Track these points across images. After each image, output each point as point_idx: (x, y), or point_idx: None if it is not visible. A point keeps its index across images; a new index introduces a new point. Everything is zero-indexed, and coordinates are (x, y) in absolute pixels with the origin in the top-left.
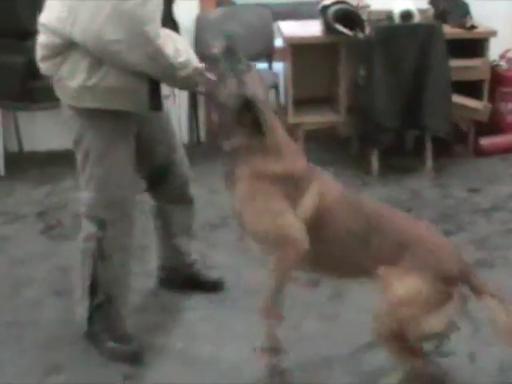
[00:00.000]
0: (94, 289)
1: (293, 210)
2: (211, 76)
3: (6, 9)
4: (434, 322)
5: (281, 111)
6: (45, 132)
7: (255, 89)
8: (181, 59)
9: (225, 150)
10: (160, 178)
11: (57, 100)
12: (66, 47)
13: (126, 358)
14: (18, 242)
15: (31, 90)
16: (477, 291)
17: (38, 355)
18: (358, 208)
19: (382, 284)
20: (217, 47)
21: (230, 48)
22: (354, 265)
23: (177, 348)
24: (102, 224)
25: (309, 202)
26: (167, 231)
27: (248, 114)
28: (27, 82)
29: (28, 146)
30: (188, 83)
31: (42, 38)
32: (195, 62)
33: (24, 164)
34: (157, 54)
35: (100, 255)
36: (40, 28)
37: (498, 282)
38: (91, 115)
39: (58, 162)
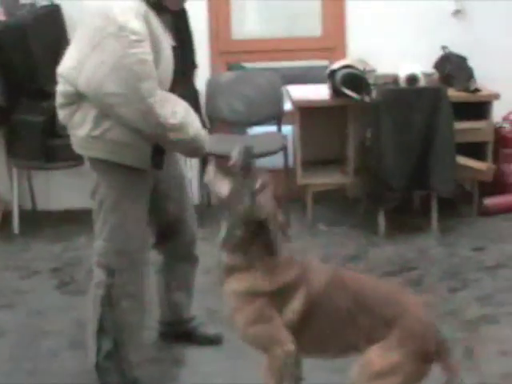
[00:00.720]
0: (101, 335)
1: (280, 316)
2: (224, 189)
3: (27, 70)
4: None
5: (288, 174)
6: (58, 191)
7: (268, 209)
8: (174, 121)
9: (223, 262)
10: (169, 235)
11: (71, 159)
12: (78, 96)
13: None
14: (34, 296)
15: (47, 149)
16: (448, 368)
17: None
18: (344, 290)
19: (364, 359)
20: (235, 159)
21: (247, 164)
22: (345, 345)
23: None
24: (111, 272)
25: (296, 305)
26: (168, 286)
27: (257, 234)
28: (45, 141)
29: (41, 205)
30: (180, 146)
31: (59, 87)
32: (196, 128)
33: (38, 222)
34: (147, 112)
35: (108, 302)
36: (58, 77)
37: (503, 338)
38: (104, 166)
39: (72, 221)
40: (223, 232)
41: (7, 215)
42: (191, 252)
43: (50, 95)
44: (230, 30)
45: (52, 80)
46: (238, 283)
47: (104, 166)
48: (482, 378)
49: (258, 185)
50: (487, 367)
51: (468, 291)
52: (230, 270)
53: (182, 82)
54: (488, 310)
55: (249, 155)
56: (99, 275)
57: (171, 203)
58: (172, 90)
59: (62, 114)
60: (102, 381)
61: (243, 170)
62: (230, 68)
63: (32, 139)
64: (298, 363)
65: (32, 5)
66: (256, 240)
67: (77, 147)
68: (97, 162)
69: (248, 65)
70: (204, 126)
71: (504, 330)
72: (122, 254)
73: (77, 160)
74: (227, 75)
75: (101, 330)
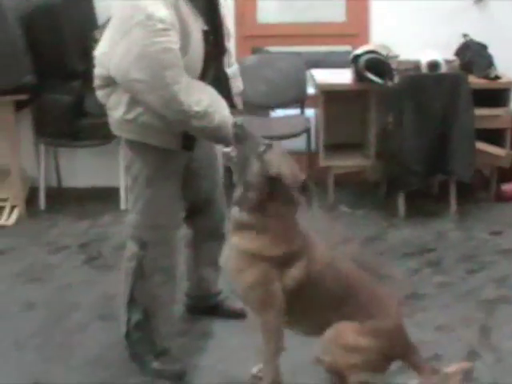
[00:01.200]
0: (132, 305)
1: (279, 279)
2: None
3: (56, 51)
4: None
5: (311, 157)
6: (84, 169)
7: (279, 167)
8: (198, 109)
9: (232, 217)
10: (199, 211)
11: (97, 139)
12: (112, 80)
13: (171, 378)
14: (63, 271)
15: (75, 128)
16: (416, 369)
17: (86, 373)
18: (338, 277)
19: (337, 330)
20: (233, 149)
21: (240, 134)
22: (324, 324)
23: (218, 369)
24: (143, 245)
25: (296, 273)
26: (196, 261)
27: (271, 193)
28: (72, 120)
29: (67, 182)
30: (205, 133)
31: (95, 69)
32: (222, 116)
33: (63, 199)
34: (171, 99)
35: (139, 274)
36: (95, 60)
37: None
38: (138, 146)
39: (97, 198)
40: (237, 195)
41: (33, 192)
42: (219, 230)
43: (79, 75)
44: (256, 15)
45: (80, 61)
46: (246, 242)
47: (138, 146)
48: (497, 355)
49: (263, 146)
50: (502, 344)
51: (484, 273)
52: (241, 227)
53: (213, 65)
54: (504, 291)
55: (241, 128)
56: (132, 248)
57: (203, 182)
58: (204, 73)
59: (99, 94)
60: (131, 351)
61: (240, 139)
62: (254, 51)
63: (60, 118)
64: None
65: None
66: (273, 199)
67: (113, 128)
68: (131, 142)
69: (272, 49)
70: (234, 107)
71: None
72: (154, 227)
73: (102, 139)
74: (252, 59)
75: (132, 301)
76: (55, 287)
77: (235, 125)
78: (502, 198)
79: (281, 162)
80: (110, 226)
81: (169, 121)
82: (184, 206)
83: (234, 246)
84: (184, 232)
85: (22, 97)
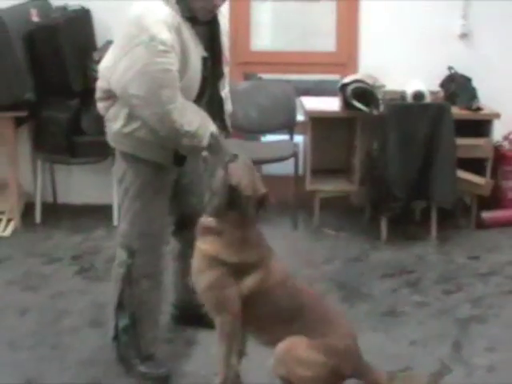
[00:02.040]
0: (120, 310)
1: (234, 284)
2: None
3: (56, 69)
4: None
5: (298, 180)
6: (79, 186)
7: (240, 178)
8: (188, 128)
9: (200, 221)
10: (187, 225)
11: (93, 156)
12: (113, 93)
13: (156, 381)
14: (56, 280)
15: (71, 145)
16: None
17: (77, 372)
18: (291, 295)
19: (291, 342)
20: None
21: (214, 145)
22: (275, 339)
23: (201, 374)
24: (131, 253)
25: (251, 283)
26: (183, 273)
27: (231, 202)
28: (69, 137)
29: (62, 198)
30: (193, 152)
31: (98, 82)
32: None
33: (58, 214)
34: (165, 116)
35: (127, 280)
36: (98, 73)
37: (490, 336)
38: (132, 159)
39: (91, 214)
40: (206, 199)
41: (29, 206)
42: None
43: (77, 94)
44: (249, 42)
45: (79, 80)
46: (207, 245)
47: (131, 158)
48: (469, 370)
49: (228, 157)
50: (474, 360)
51: (461, 294)
52: (205, 232)
53: (210, 88)
54: (478, 311)
55: (215, 139)
56: (121, 255)
57: (191, 197)
58: (200, 95)
59: (100, 106)
60: (118, 353)
61: (213, 149)
62: (246, 78)
63: (57, 135)
64: (244, 337)
65: (64, 8)
66: (232, 207)
67: (109, 139)
68: (125, 155)
69: (264, 76)
70: (226, 129)
71: (491, 329)
72: (143, 236)
73: (98, 157)
74: (244, 84)
75: (120, 306)
76: (48, 295)
77: (211, 135)
78: (481, 224)
79: (243, 173)
80: (103, 240)
81: (161, 136)
82: (172, 220)
83: (198, 248)
84: (172, 245)
85: (22, 113)
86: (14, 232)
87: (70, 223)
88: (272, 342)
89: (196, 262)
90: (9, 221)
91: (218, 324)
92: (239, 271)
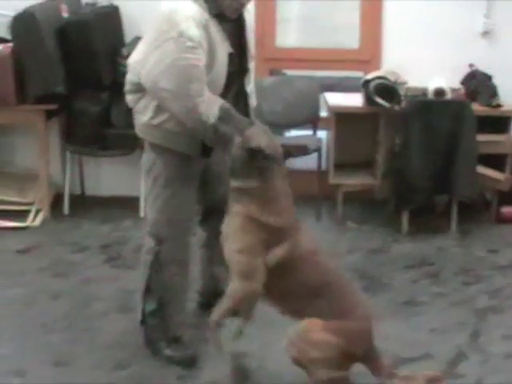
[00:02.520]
0: (148, 295)
1: (265, 255)
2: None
3: (87, 63)
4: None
5: (321, 175)
6: (107, 178)
7: (259, 140)
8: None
9: (231, 187)
10: (214, 214)
11: (121, 149)
12: (142, 86)
13: (181, 363)
14: (85, 268)
15: (100, 138)
16: (374, 372)
17: (106, 354)
18: (317, 270)
19: (306, 325)
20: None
21: (224, 115)
22: (294, 310)
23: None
24: (159, 240)
25: (280, 252)
26: (209, 261)
27: (254, 163)
28: (99, 129)
29: (90, 190)
30: (218, 143)
31: (128, 75)
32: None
33: (86, 205)
34: (192, 110)
35: (155, 267)
36: (128, 67)
37: (507, 325)
38: (160, 149)
39: (118, 206)
40: (228, 168)
41: (58, 198)
42: None
43: (106, 87)
44: (275, 39)
45: (108, 74)
46: (244, 207)
47: (160, 149)
48: (486, 357)
49: (244, 123)
50: (491, 348)
51: (479, 285)
52: (235, 194)
53: (235, 83)
54: (496, 302)
55: (223, 111)
56: (149, 243)
57: (219, 185)
58: (226, 90)
59: (129, 99)
60: (146, 337)
61: (224, 119)
62: (272, 73)
63: (87, 127)
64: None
65: (93, 4)
66: (254, 167)
67: (138, 131)
68: (154, 146)
69: (289, 72)
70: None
71: (508, 318)
72: (171, 224)
73: (126, 149)
74: (270, 80)
75: (147, 291)
76: (78, 281)
77: (221, 108)
78: (501, 219)
79: (261, 136)
80: (130, 231)
81: (188, 128)
82: (199, 210)
83: (235, 211)
84: (199, 234)
85: (53, 106)
86: (44, 222)
87: (98, 214)
88: (292, 313)
89: (232, 223)
90: (38, 211)
91: (233, 287)
92: (270, 237)
